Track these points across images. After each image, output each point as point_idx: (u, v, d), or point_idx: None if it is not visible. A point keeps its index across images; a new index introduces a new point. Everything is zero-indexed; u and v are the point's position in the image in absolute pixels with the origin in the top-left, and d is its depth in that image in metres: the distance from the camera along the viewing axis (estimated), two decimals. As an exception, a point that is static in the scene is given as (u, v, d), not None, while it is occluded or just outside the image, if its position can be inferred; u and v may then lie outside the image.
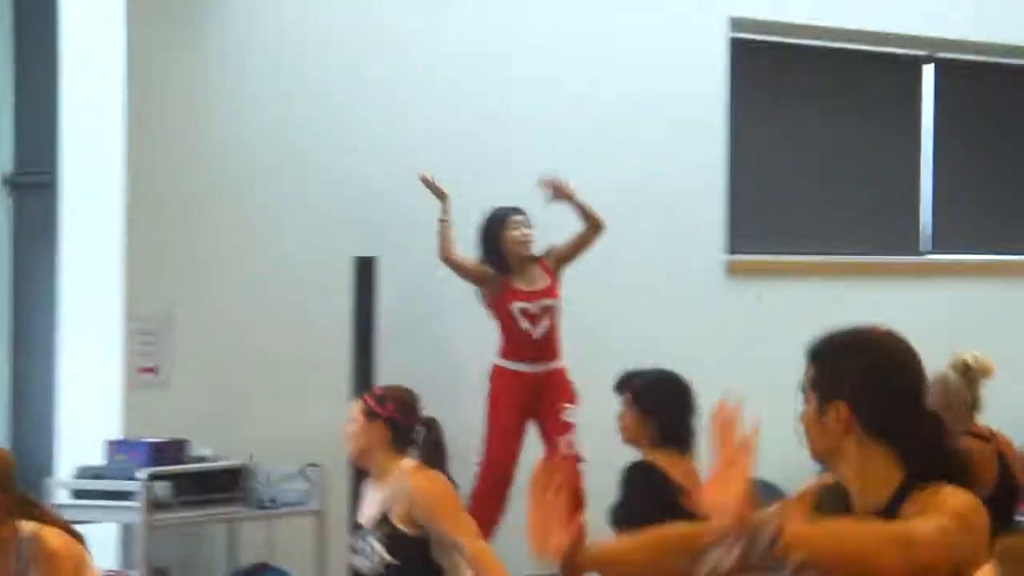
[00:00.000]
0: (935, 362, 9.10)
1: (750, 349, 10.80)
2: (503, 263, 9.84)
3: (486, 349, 9.79)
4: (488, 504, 9.28)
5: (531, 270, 9.93)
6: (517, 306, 9.83)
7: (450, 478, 6.91)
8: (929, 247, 12.55)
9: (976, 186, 12.91)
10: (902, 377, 3.64)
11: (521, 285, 9.76)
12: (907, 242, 12.51)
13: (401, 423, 6.84)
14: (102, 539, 8.46)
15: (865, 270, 12.20)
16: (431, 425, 6.89)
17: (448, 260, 9.51)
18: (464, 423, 9.20)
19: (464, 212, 9.80)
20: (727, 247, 11.19)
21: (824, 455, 3.68)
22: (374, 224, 9.78)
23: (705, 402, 9.79)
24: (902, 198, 12.48)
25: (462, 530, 6.52)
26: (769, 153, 11.83)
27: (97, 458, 8.67)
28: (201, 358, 9.14)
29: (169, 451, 8.56)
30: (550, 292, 9.76)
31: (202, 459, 8.78)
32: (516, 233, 9.89)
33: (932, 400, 8.14)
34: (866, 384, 3.64)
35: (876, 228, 12.45)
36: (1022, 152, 13.08)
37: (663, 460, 7.17)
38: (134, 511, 8.36)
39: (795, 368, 9.42)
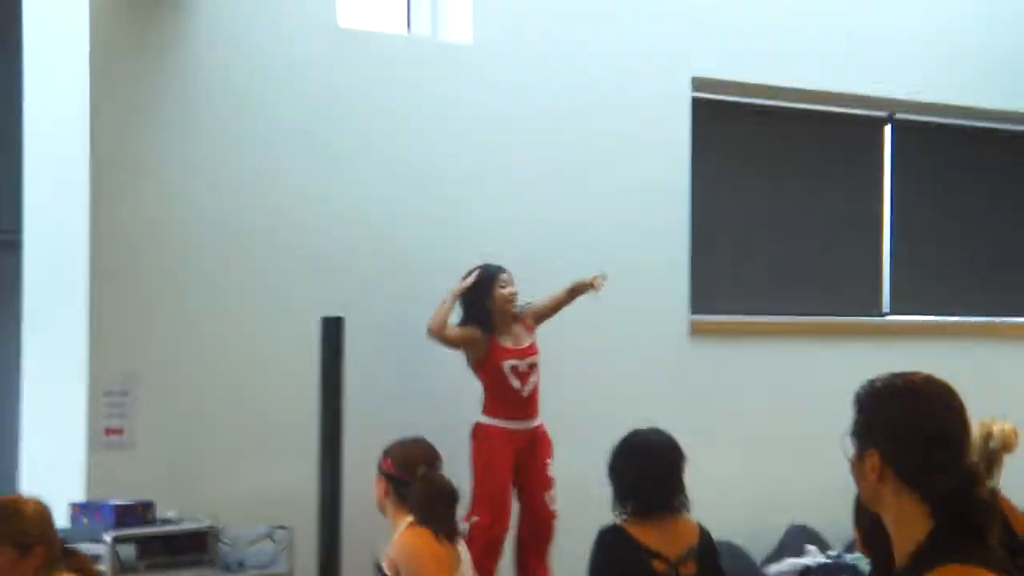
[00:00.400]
0: None
1: (714, 407, 10.89)
2: (488, 321, 9.89)
3: (459, 405, 9.76)
4: (487, 564, 9.35)
5: (515, 328, 9.98)
6: (508, 364, 9.91)
7: (452, 532, 7.06)
8: (889, 308, 12.67)
9: (934, 247, 13.05)
10: (931, 424, 3.65)
11: (508, 343, 9.86)
12: (868, 303, 12.62)
13: (396, 478, 7.02)
14: None
15: (827, 330, 12.30)
16: (425, 481, 6.98)
17: (440, 333, 9.61)
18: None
19: (437, 264, 9.92)
20: (691, 308, 11.25)
21: (869, 502, 3.70)
22: (339, 283, 9.72)
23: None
24: (863, 259, 12.59)
25: None
26: (733, 213, 11.91)
27: (61, 521, 8.14)
28: (167, 419, 9.06)
29: (134, 513, 8.45)
30: (534, 349, 9.86)
31: (168, 521, 8.67)
32: (505, 291, 10.00)
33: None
34: (895, 431, 3.68)
35: (837, 289, 12.57)
36: (979, 212, 13.18)
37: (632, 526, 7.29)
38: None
39: (758, 424, 9.46)
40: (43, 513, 5.91)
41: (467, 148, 10.33)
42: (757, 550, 11.44)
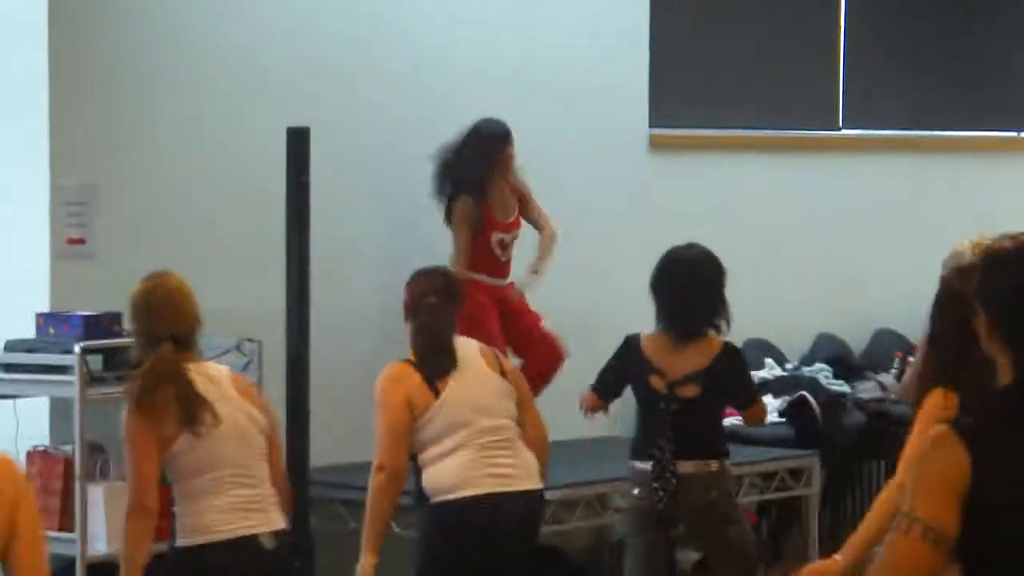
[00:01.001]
0: (851, 233, 9.29)
1: (673, 222, 10.75)
2: (482, 180, 9.78)
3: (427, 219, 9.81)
4: None
5: (507, 195, 9.95)
6: (496, 237, 9.89)
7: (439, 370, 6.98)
8: (845, 123, 12.66)
9: (890, 64, 13.06)
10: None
11: (499, 215, 9.87)
12: (825, 118, 12.59)
13: (407, 306, 7.14)
14: (33, 414, 8.62)
15: (784, 144, 12.31)
16: (427, 311, 7.05)
17: (464, 270, 9.43)
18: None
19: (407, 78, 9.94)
20: (650, 121, 11.22)
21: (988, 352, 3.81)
22: (308, 94, 9.67)
23: (628, 272, 10.09)
24: (820, 75, 12.60)
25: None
26: (692, 29, 11.84)
27: (27, 331, 8.59)
28: (131, 231, 9.04)
29: (101, 324, 8.45)
30: (519, 223, 9.87)
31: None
32: (512, 151, 9.85)
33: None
34: (998, 300, 3.75)
35: (795, 104, 12.58)
36: (939, 22, 13.22)
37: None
38: (69, 385, 8.28)
39: (715, 238, 9.50)
40: None
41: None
42: None
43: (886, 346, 12.02)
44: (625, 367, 7.67)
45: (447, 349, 7.00)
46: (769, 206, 11.69)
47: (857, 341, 11.95)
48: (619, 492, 8.71)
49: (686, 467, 7.45)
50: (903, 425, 11.05)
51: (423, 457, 6.84)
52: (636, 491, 7.57)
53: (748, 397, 7.98)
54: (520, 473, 6.96)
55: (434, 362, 6.97)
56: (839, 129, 12.65)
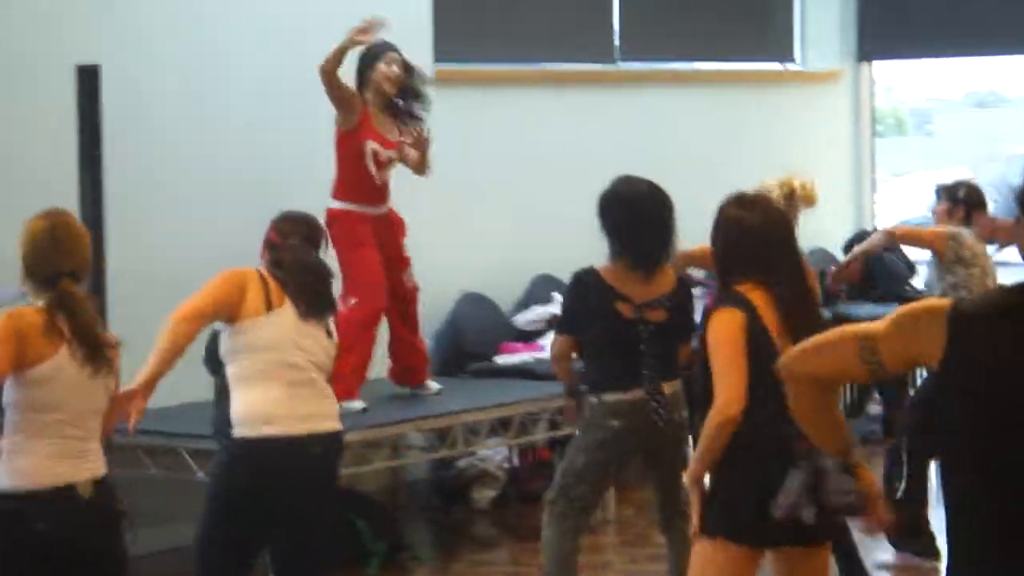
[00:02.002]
0: (627, 162, 9.54)
1: (458, 156, 10.93)
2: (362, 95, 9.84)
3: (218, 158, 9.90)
4: (366, 342, 9.46)
5: (387, 120, 9.80)
6: (370, 146, 9.70)
7: (313, 307, 6.94)
8: (621, 54, 12.76)
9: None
10: None
11: (377, 127, 9.72)
12: (600, 50, 12.67)
13: (271, 242, 7.09)
14: None
15: (561, 78, 12.40)
16: (291, 250, 7.02)
17: (330, 74, 9.36)
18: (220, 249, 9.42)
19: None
20: (434, 57, 11.25)
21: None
22: (96, 30, 9.60)
23: (413, 216, 10.33)
24: (595, 10, 12.67)
25: None
26: None
27: None
28: None
29: None
30: (397, 145, 9.73)
31: None
32: (389, 70, 9.75)
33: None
34: None
35: (573, 39, 12.59)
36: None
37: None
38: None
39: (500, 173, 9.58)
40: None
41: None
42: (505, 301, 11.69)
43: None
44: (587, 299, 7.67)
45: (324, 289, 7.06)
46: (550, 140, 11.79)
47: None
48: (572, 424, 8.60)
49: (665, 388, 7.63)
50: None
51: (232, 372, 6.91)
52: (615, 423, 7.58)
53: (691, 329, 7.93)
54: (325, 411, 7.08)
55: (300, 289, 6.93)
56: (614, 62, 12.78)
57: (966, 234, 9.42)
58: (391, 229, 9.83)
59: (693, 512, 6.19)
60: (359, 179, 9.60)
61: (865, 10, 14.29)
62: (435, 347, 11.12)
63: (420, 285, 10.39)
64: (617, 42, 12.78)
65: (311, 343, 7.00)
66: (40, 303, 5.96)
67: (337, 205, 9.52)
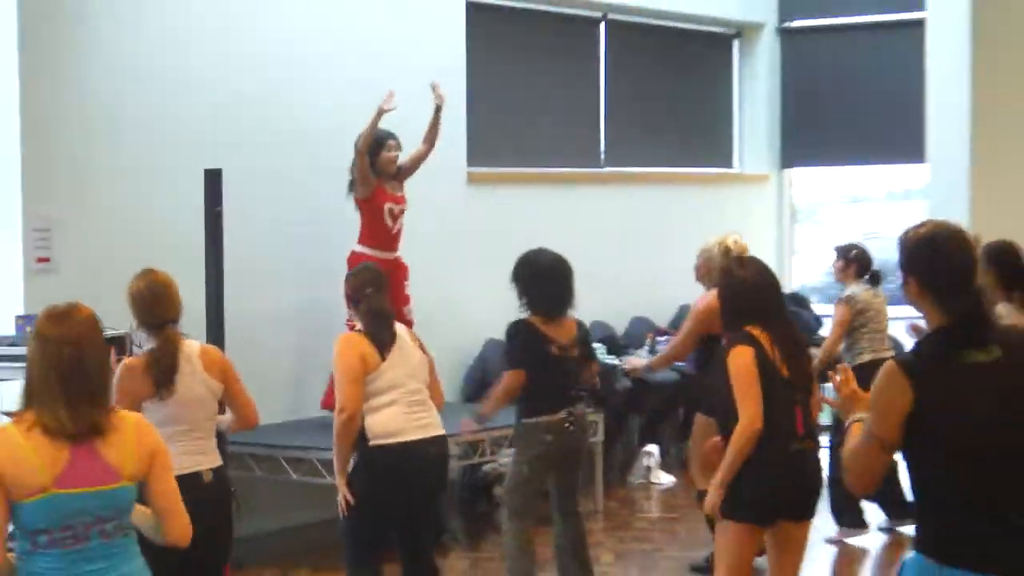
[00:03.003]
0: (613, 245, 9.41)
1: (486, 241, 10.80)
2: (375, 172, 9.60)
3: (314, 240, 9.76)
4: None
5: (393, 181, 9.75)
6: (387, 206, 9.75)
7: (383, 341, 6.77)
8: (606, 161, 12.61)
9: (643, 113, 13.02)
10: (952, 262, 4.09)
11: (389, 190, 9.66)
12: (591, 157, 12.57)
13: (350, 297, 6.96)
14: (15, 394, 8.44)
15: (562, 178, 12.22)
16: (368, 299, 6.85)
17: (361, 153, 9.36)
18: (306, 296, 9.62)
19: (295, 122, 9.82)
20: (468, 161, 11.19)
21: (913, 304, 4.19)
22: (221, 141, 9.46)
23: (452, 280, 10.20)
24: (586, 124, 12.55)
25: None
26: (498, 89, 11.71)
27: (8, 330, 8.39)
28: (86, 252, 8.85)
29: None
30: (404, 199, 9.72)
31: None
32: (390, 155, 9.75)
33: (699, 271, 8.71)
34: (928, 265, 4.11)
35: (570, 149, 12.48)
36: (675, 88, 13.35)
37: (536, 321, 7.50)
38: None
39: (516, 245, 9.30)
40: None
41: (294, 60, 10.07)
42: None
43: (641, 329, 12.12)
44: (527, 342, 7.54)
45: (389, 326, 6.91)
46: (553, 226, 11.21)
47: (619, 326, 11.94)
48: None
49: (576, 415, 7.58)
50: (658, 389, 11.41)
51: (367, 406, 6.72)
52: (549, 437, 7.48)
53: (593, 358, 8.03)
54: (435, 422, 6.95)
55: (381, 336, 6.83)
56: (601, 167, 12.67)
57: (858, 293, 9.24)
58: (398, 271, 9.59)
59: (712, 500, 6.07)
60: (379, 231, 9.56)
61: (786, 129, 14.06)
62: (465, 379, 11.12)
63: (457, 331, 10.51)
64: (603, 151, 12.66)
65: (416, 368, 6.92)
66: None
67: (357, 249, 9.45)
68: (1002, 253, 7.17)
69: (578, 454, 7.82)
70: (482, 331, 10.91)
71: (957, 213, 11.52)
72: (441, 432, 6.99)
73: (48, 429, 4.04)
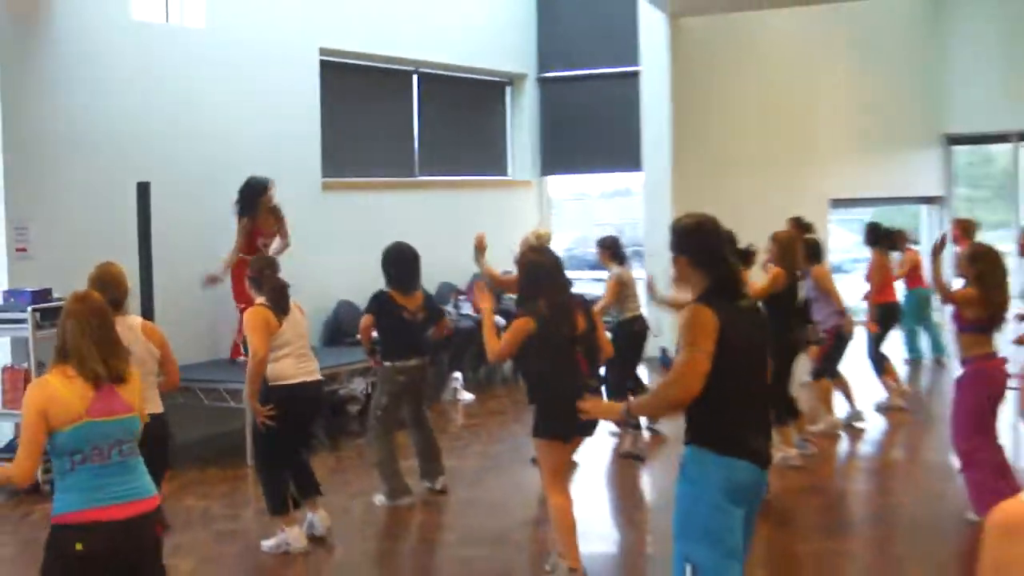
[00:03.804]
0: (423, 234, 9.47)
1: (341, 237, 10.92)
2: (253, 209, 9.49)
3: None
4: None
5: (268, 217, 9.69)
6: (260, 240, 9.62)
7: (285, 309, 6.63)
8: (419, 172, 12.69)
9: (444, 137, 13.02)
10: (712, 239, 4.09)
11: (263, 227, 9.66)
12: (408, 169, 12.58)
13: (252, 278, 6.80)
14: (3, 350, 8.54)
15: (387, 185, 12.16)
16: (269, 278, 6.73)
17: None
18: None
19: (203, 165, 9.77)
20: (322, 174, 11.12)
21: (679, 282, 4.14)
22: (149, 161, 9.39)
23: (314, 259, 9.99)
24: (405, 145, 12.57)
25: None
26: (343, 121, 11.53)
27: None
28: (54, 243, 8.85)
29: (41, 296, 8.37)
30: (274, 233, 9.68)
31: (59, 299, 8.23)
32: (268, 196, 9.62)
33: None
34: (696, 244, 4.09)
35: (393, 161, 12.44)
36: (466, 120, 13.50)
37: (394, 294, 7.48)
38: (25, 330, 8.22)
39: (359, 234, 9.66)
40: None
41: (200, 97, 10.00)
42: (360, 304, 10.84)
43: (446, 290, 12.06)
44: (383, 306, 7.51)
45: (286, 300, 6.73)
46: (382, 218, 11.46)
47: (431, 287, 10.84)
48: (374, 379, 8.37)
49: (422, 360, 7.62)
50: (459, 331, 11.03)
51: (271, 356, 6.56)
52: (401, 378, 7.52)
53: (441, 317, 7.93)
54: (315, 369, 6.86)
55: (281, 306, 6.65)
56: (415, 176, 12.66)
57: (620, 272, 9.04)
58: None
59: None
60: (255, 249, 9.25)
61: (543, 148, 14.12)
62: (324, 327, 11.08)
63: (318, 295, 10.40)
64: (416, 165, 12.67)
65: (302, 330, 6.87)
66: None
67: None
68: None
69: (422, 385, 7.81)
70: (335, 294, 11.00)
71: (662, 205, 12.25)
72: (318, 377, 6.89)
73: (87, 377, 4.01)
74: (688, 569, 3.97)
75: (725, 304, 4.02)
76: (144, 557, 4.11)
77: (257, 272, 6.80)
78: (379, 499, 7.70)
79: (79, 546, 3.94)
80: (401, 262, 7.65)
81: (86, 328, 4.08)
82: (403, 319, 7.53)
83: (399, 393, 7.62)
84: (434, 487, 7.88)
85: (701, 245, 4.09)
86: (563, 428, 5.84)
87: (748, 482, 4.04)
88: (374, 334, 7.70)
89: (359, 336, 7.89)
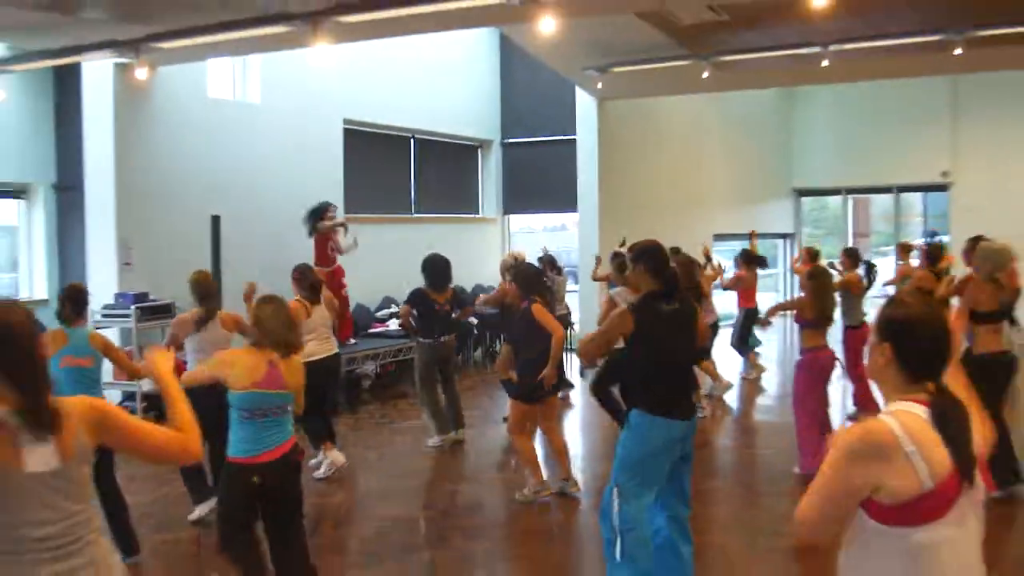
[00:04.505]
0: (417, 256, 8.47)
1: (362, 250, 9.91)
2: (315, 228, 9.07)
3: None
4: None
5: (332, 231, 9.24)
6: (330, 246, 9.24)
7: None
8: (415, 211, 12.52)
9: (434, 185, 12.80)
10: (660, 258, 3.91)
11: (332, 241, 9.21)
12: (406, 207, 12.43)
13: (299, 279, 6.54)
14: (114, 336, 8.39)
15: (391, 220, 11.95)
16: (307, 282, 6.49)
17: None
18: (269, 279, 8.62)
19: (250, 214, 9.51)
20: (345, 208, 10.78)
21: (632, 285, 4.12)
22: (221, 197, 9.37)
23: (352, 272, 9.51)
24: (404, 190, 12.43)
25: None
26: (361, 173, 11.50)
27: (110, 300, 8.52)
28: (150, 258, 8.85)
29: (140, 298, 8.44)
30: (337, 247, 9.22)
31: (154, 300, 8.56)
32: (331, 215, 9.23)
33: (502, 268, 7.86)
34: (651, 262, 3.91)
35: (395, 202, 12.24)
36: (449, 171, 13.15)
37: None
38: (129, 322, 8.30)
39: (376, 254, 9.89)
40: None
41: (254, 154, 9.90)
42: (372, 305, 11.28)
43: None
44: (419, 299, 7.31)
45: (318, 294, 6.52)
46: (388, 244, 11.30)
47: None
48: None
49: (448, 338, 7.42)
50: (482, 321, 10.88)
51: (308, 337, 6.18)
52: (433, 352, 7.35)
53: (463, 306, 7.62)
54: (334, 347, 6.67)
55: (312, 299, 6.44)
56: (412, 213, 12.44)
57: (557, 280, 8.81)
58: (337, 277, 9.22)
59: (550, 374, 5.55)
60: (326, 258, 9.13)
61: (505, 194, 13.81)
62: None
63: (365, 294, 10.46)
64: (413, 204, 12.51)
65: (326, 318, 6.67)
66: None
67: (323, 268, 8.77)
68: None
69: (449, 355, 7.55)
70: (353, 297, 10.51)
71: (591, 238, 11.84)
72: (336, 350, 6.74)
73: (271, 355, 3.92)
74: (615, 490, 3.97)
75: (657, 304, 3.91)
76: (289, 476, 4.05)
77: (299, 275, 6.68)
78: (432, 440, 7.48)
79: (256, 479, 3.89)
80: (435, 270, 7.45)
81: (276, 320, 3.95)
82: (434, 309, 7.35)
83: (431, 362, 7.40)
84: (456, 435, 7.61)
85: (654, 258, 4.00)
86: (531, 394, 5.90)
87: (679, 435, 3.96)
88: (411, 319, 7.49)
89: (399, 319, 7.70)
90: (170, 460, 2.37)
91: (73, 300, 4.99)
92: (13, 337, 2.14)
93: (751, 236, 10.33)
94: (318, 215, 9.31)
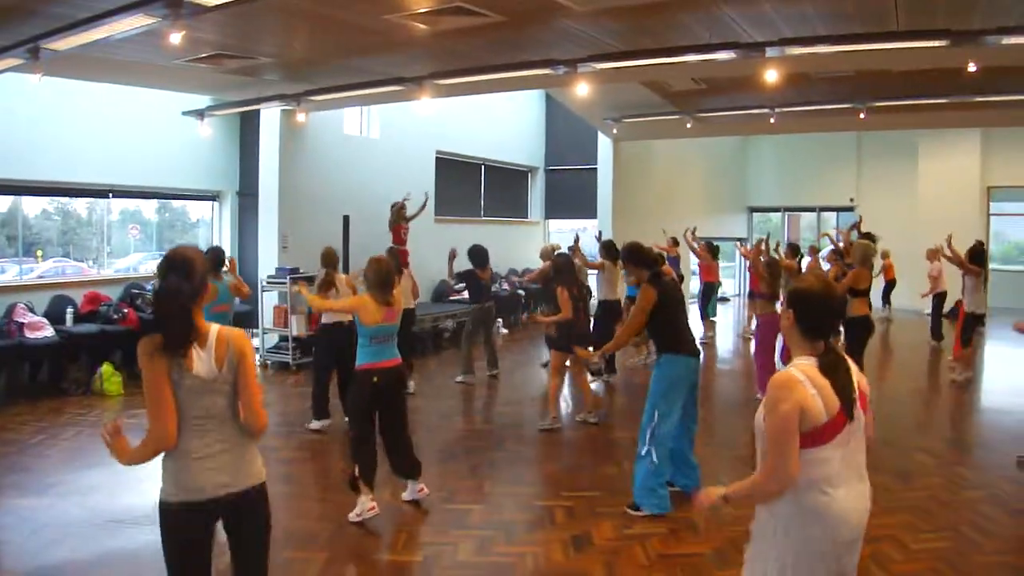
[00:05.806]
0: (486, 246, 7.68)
1: (445, 245, 8.41)
2: (396, 217, 8.09)
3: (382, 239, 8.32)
4: None
5: (404, 219, 8.22)
6: (403, 230, 8.31)
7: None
8: (484, 215, 11.69)
9: (497, 199, 12.12)
10: (640, 249, 3.78)
11: (404, 224, 8.24)
12: (477, 211, 11.58)
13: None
14: (275, 297, 8.05)
15: (468, 222, 11.24)
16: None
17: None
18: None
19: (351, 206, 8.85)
20: (435, 213, 10.15)
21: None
22: (350, 202, 8.97)
23: (429, 264, 9.23)
24: (474, 198, 11.59)
25: None
26: (448, 187, 10.70)
27: (272, 272, 8.15)
28: (302, 243, 8.44)
29: (293, 271, 7.96)
30: (407, 228, 8.21)
31: (303, 273, 8.02)
32: (404, 205, 8.24)
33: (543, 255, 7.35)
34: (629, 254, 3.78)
35: (468, 207, 11.59)
36: (507, 190, 12.36)
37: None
38: (286, 288, 7.85)
39: (459, 258, 7.66)
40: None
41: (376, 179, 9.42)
42: (439, 279, 10.10)
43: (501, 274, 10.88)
44: (469, 277, 7.07)
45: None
46: (466, 239, 9.69)
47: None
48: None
49: (491, 304, 7.12)
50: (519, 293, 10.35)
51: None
52: (480, 314, 7.08)
53: (495, 280, 7.22)
54: (412, 302, 6.27)
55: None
56: (482, 217, 11.79)
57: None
58: (403, 256, 7.68)
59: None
60: (401, 240, 8.20)
61: (547, 204, 13.04)
62: (433, 292, 10.05)
63: (431, 273, 9.48)
64: (483, 209, 11.88)
65: (408, 282, 6.19)
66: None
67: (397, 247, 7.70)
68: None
69: (491, 317, 7.21)
70: (439, 275, 9.95)
71: (607, 235, 10.45)
72: (412, 306, 6.20)
73: (379, 301, 3.80)
74: (656, 412, 3.86)
75: (659, 281, 3.89)
76: (398, 381, 3.98)
77: (390, 255, 6.05)
78: (459, 377, 7.24)
79: (376, 379, 3.84)
80: (479, 255, 7.22)
81: (380, 274, 3.90)
82: (480, 282, 7.17)
83: (478, 321, 7.19)
84: (492, 373, 7.41)
85: (640, 254, 3.95)
86: (566, 344, 5.66)
87: (695, 367, 3.93)
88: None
89: (455, 288, 7.38)
90: (250, 411, 2.22)
91: (212, 260, 4.84)
92: (193, 264, 2.20)
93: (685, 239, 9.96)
94: (393, 211, 8.45)
